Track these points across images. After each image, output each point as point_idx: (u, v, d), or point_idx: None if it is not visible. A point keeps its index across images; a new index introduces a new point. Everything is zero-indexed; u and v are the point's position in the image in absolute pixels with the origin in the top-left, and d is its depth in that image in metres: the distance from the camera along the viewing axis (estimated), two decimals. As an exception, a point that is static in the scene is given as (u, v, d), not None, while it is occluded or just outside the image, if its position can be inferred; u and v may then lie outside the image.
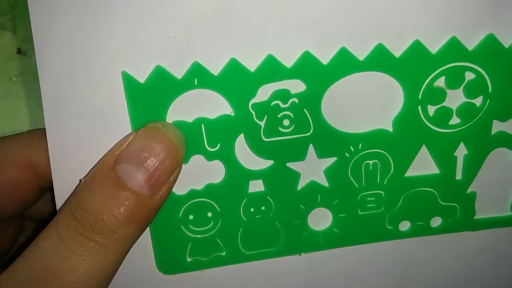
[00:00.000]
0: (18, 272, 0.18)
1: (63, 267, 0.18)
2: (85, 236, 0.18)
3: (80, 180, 0.21)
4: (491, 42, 0.20)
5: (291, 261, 0.24)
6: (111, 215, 0.19)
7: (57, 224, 0.19)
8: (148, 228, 0.22)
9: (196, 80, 0.20)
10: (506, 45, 0.20)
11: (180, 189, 0.22)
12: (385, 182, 0.23)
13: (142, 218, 0.19)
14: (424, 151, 0.22)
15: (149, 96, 0.20)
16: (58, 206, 0.21)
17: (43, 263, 0.18)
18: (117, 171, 0.19)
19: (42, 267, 0.18)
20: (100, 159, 0.20)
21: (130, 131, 0.21)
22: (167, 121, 0.20)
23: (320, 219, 0.23)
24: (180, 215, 0.22)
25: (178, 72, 0.20)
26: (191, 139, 0.21)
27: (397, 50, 0.20)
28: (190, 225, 0.22)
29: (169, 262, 0.23)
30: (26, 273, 0.18)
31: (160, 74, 0.20)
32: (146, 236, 0.22)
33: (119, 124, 0.20)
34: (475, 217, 0.24)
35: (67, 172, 0.21)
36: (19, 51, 0.39)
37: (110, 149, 0.20)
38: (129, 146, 0.20)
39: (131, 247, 0.20)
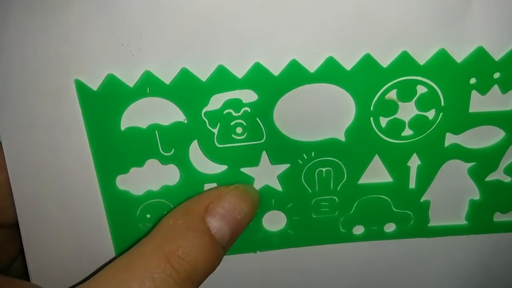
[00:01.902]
0: None
1: None
2: (179, 283, 0.20)
3: (168, 220, 0.21)
4: (443, 57, 0.20)
5: (247, 258, 0.25)
6: (204, 265, 0.20)
7: (150, 267, 0.20)
8: (107, 224, 0.24)
9: (148, 88, 0.20)
10: (459, 60, 0.20)
11: (137, 189, 0.23)
12: (338, 188, 0.23)
13: (216, 267, 0.21)
14: (377, 160, 0.23)
15: (103, 104, 0.21)
16: (20, 217, 0.23)
17: None
18: (208, 223, 0.21)
19: None
20: (189, 204, 0.22)
21: (86, 137, 0.21)
22: (121, 127, 0.21)
23: (275, 221, 0.24)
24: (137, 214, 0.23)
25: (132, 78, 0.20)
26: (146, 144, 0.22)
27: (349, 63, 0.20)
28: (147, 223, 0.23)
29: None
30: None
31: (112, 82, 0.20)
32: (106, 231, 0.24)
33: (75, 131, 0.21)
34: (429, 225, 0.25)
35: (26, 179, 0.22)
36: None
37: (199, 197, 0.22)
38: (221, 202, 0.22)
39: None
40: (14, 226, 0.24)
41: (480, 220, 0.25)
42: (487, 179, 0.24)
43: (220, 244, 0.21)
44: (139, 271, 0.20)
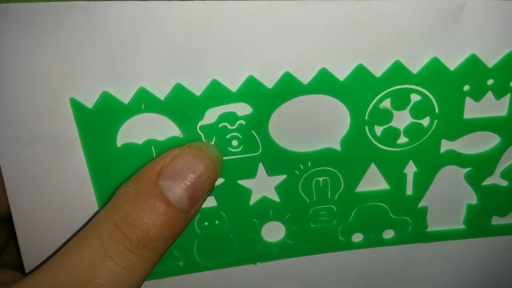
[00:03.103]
0: (59, 280, 0.19)
1: (109, 281, 0.19)
2: (131, 250, 0.19)
3: (120, 189, 0.21)
4: (435, 65, 0.21)
5: (247, 270, 0.25)
6: (157, 231, 0.19)
7: (100, 236, 0.19)
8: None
9: (143, 105, 0.21)
10: (452, 68, 0.21)
11: (135, 205, 0.23)
12: (336, 197, 0.24)
13: (179, 232, 0.21)
14: (374, 167, 0.23)
15: (98, 121, 0.21)
16: (18, 231, 0.23)
17: (88, 276, 0.19)
18: (161, 186, 0.20)
19: (88, 279, 0.19)
20: (141, 170, 0.21)
21: (83, 154, 0.21)
22: (117, 144, 0.21)
23: (274, 232, 0.24)
24: (136, 229, 0.23)
25: (127, 95, 0.21)
26: (143, 160, 0.21)
27: (342, 73, 0.21)
28: (146, 238, 0.24)
29: (129, 272, 0.25)
30: (69, 284, 0.19)
31: (107, 100, 0.20)
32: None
33: (71, 148, 0.21)
34: (428, 230, 0.25)
35: (23, 197, 0.22)
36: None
37: (152, 162, 0.21)
38: (173, 163, 0.20)
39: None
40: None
41: (478, 224, 0.25)
42: (484, 183, 0.24)
43: (177, 207, 0.20)
44: (90, 241, 0.19)
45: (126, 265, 0.19)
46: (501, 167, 0.24)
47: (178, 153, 0.21)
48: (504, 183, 0.24)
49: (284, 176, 0.23)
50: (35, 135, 0.21)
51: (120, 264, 0.19)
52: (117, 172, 0.22)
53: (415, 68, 0.21)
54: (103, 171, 0.22)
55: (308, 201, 0.24)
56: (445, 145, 0.23)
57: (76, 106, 0.21)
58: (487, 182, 0.24)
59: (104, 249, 0.19)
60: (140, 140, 0.21)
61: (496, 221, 0.25)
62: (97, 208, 0.23)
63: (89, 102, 0.21)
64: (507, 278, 0.27)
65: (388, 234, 0.25)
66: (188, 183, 0.20)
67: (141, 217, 0.19)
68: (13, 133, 0.21)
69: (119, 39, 0.20)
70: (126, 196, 0.20)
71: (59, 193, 0.23)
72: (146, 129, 0.21)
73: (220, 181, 0.23)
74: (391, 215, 0.24)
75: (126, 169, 0.22)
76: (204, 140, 0.22)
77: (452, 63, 0.21)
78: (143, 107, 0.21)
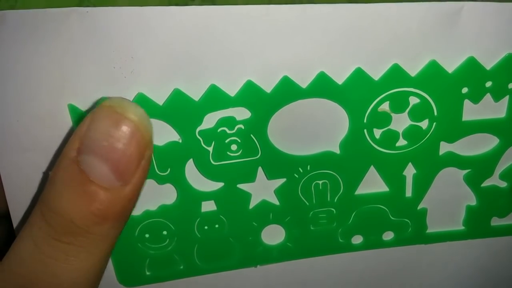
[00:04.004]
0: None
1: (43, 274, 0.18)
2: (58, 239, 0.17)
3: (45, 173, 0.20)
4: (434, 68, 0.21)
5: (248, 273, 0.26)
6: (82, 215, 0.17)
7: (30, 227, 0.18)
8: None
9: (141, 110, 0.21)
10: (450, 71, 0.21)
11: (134, 210, 0.23)
12: (335, 200, 0.24)
13: (116, 212, 0.18)
14: (373, 170, 0.23)
15: (97, 127, 0.21)
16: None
17: (21, 272, 0.18)
18: (80, 163, 0.17)
19: (21, 276, 0.18)
20: (64, 148, 0.19)
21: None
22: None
23: (274, 235, 0.25)
24: (136, 234, 0.23)
25: (125, 101, 0.21)
26: (141, 165, 0.22)
27: (340, 77, 0.21)
28: (146, 243, 0.24)
29: (129, 276, 0.25)
30: (6, 284, 0.18)
31: (105, 106, 0.21)
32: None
33: (69, 154, 0.22)
34: (427, 231, 0.25)
35: (23, 203, 0.22)
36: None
37: (72, 135, 0.18)
38: (88, 133, 0.18)
39: (114, 243, 0.19)
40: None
41: (477, 225, 0.25)
42: (483, 185, 0.24)
43: (102, 185, 0.17)
44: (21, 234, 0.18)
45: (58, 255, 0.17)
46: (500, 168, 0.24)
47: (90, 119, 0.18)
48: (503, 184, 0.24)
49: (283, 180, 0.23)
50: (34, 141, 0.21)
51: (51, 255, 0.17)
52: None
53: (413, 71, 0.21)
54: (102, 176, 0.22)
55: (307, 204, 0.24)
56: (444, 147, 0.23)
57: (75, 112, 0.21)
58: (486, 183, 0.24)
59: (32, 241, 0.18)
60: (138, 146, 0.22)
61: (495, 222, 0.25)
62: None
63: (88, 108, 0.21)
64: (507, 278, 0.28)
65: (388, 235, 0.25)
66: (108, 154, 0.17)
67: (62, 203, 0.17)
68: (12, 139, 0.21)
69: (117, 45, 0.20)
70: (51, 179, 0.18)
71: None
72: (145, 134, 0.22)
73: (219, 185, 0.23)
74: (391, 217, 0.25)
75: None
76: (203, 145, 0.22)
77: (450, 66, 0.21)
78: (141, 113, 0.21)
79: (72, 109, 0.21)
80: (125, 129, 0.18)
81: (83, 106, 0.21)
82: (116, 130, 0.17)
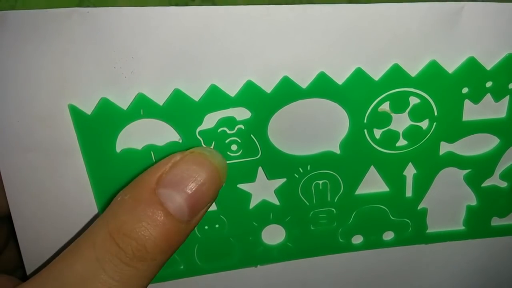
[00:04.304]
0: None
1: None
2: (126, 263, 0.18)
3: (117, 197, 0.21)
4: (434, 68, 0.21)
5: (248, 273, 0.26)
6: (154, 242, 0.19)
7: (94, 247, 0.19)
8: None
9: (142, 110, 0.21)
10: (450, 71, 0.21)
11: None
12: (335, 200, 0.24)
13: (179, 244, 0.20)
14: (373, 170, 0.23)
15: (97, 127, 0.21)
16: (19, 237, 0.23)
17: None
18: (159, 195, 0.19)
19: None
20: (139, 177, 0.20)
21: (82, 160, 0.22)
22: (116, 149, 0.22)
23: (274, 235, 0.25)
24: (136, 234, 0.24)
25: (125, 101, 0.21)
26: (142, 165, 0.22)
27: (340, 77, 0.21)
28: (147, 243, 0.24)
29: (129, 276, 0.25)
30: None
31: (106, 106, 0.21)
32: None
33: (70, 154, 0.22)
34: (428, 231, 0.25)
35: (23, 204, 0.22)
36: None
37: (151, 168, 0.20)
38: (173, 170, 0.19)
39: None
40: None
41: (477, 225, 0.26)
42: (483, 185, 0.24)
43: (177, 218, 0.19)
44: (84, 253, 0.19)
45: (121, 278, 0.18)
46: (500, 168, 0.24)
47: (179, 159, 0.20)
48: (503, 184, 0.24)
49: (283, 180, 0.23)
50: (35, 142, 0.21)
51: (114, 277, 0.18)
52: (117, 178, 0.22)
53: (413, 71, 0.21)
54: (103, 176, 0.22)
55: (308, 204, 0.24)
56: (444, 147, 0.23)
57: (75, 112, 0.21)
58: (486, 183, 0.24)
59: (97, 262, 0.18)
60: (139, 146, 0.22)
61: (496, 222, 0.26)
62: (97, 213, 0.23)
63: (88, 108, 0.21)
64: (507, 278, 0.28)
65: (388, 235, 0.25)
66: (189, 192, 0.19)
67: (137, 228, 0.18)
68: (13, 139, 0.21)
69: (117, 45, 0.20)
70: (123, 204, 0.19)
71: (59, 199, 0.23)
72: (145, 134, 0.22)
73: (219, 185, 0.23)
74: (391, 217, 0.25)
75: (125, 174, 0.22)
76: (203, 145, 0.22)
77: (451, 66, 0.21)
78: (142, 113, 0.21)
79: (73, 109, 0.21)
80: (210, 174, 0.20)
81: (84, 106, 0.21)
82: (203, 174, 0.19)
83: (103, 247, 0.19)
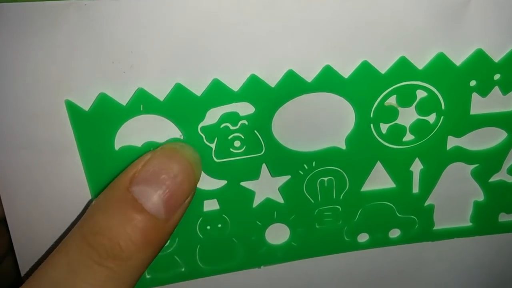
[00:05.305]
0: None
1: None
2: (99, 263, 0.18)
3: (90, 201, 0.21)
4: (441, 61, 0.21)
5: (251, 274, 0.26)
6: (129, 239, 0.18)
7: (67, 251, 0.19)
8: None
9: (142, 106, 0.21)
10: (458, 63, 0.21)
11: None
12: (341, 197, 0.24)
13: (158, 243, 0.19)
14: (379, 166, 0.24)
15: (95, 124, 0.21)
16: (14, 239, 0.23)
17: None
18: (133, 192, 0.19)
19: None
20: (114, 180, 0.20)
21: (79, 158, 0.22)
22: (115, 147, 0.22)
23: (278, 234, 0.25)
24: (136, 235, 0.24)
25: (125, 96, 0.21)
26: (142, 163, 0.22)
27: (346, 70, 0.21)
28: (146, 244, 0.24)
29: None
30: None
31: (104, 102, 0.21)
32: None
33: (67, 152, 0.22)
34: (434, 228, 0.26)
35: (19, 203, 0.22)
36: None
37: (125, 169, 0.20)
38: (146, 167, 0.20)
39: (142, 274, 0.20)
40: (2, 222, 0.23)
41: (485, 221, 0.26)
42: (491, 180, 0.25)
43: (152, 213, 0.19)
44: (57, 259, 0.19)
45: (95, 281, 0.18)
46: (508, 163, 0.24)
47: (150, 156, 0.20)
48: (511, 179, 0.25)
49: (288, 177, 0.23)
50: (31, 139, 0.21)
51: (87, 281, 0.18)
52: (115, 176, 0.21)
53: (420, 64, 0.21)
54: (100, 175, 0.22)
55: (313, 201, 0.24)
56: (452, 142, 0.23)
57: (72, 108, 0.21)
58: (494, 178, 0.25)
59: (68, 266, 0.18)
60: (139, 143, 0.22)
61: (503, 218, 0.26)
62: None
63: (86, 104, 0.21)
64: (516, 275, 0.28)
65: (395, 233, 0.26)
66: (163, 186, 0.19)
67: (110, 226, 0.18)
68: (8, 137, 0.21)
69: (116, 39, 0.20)
70: (96, 206, 0.20)
71: (55, 199, 0.23)
72: (145, 131, 0.22)
73: (222, 183, 0.23)
74: (397, 214, 0.25)
75: None
76: (205, 142, 0.22)
77: (458, 59, 0.21)
78: (141, 109, 0.21)
79: (69, 105, 0.21)
80: (182, 167, 0.20)
81: (81, 102, 0.21)
82: (176, 166, 0.20)
83: (76, 250, 0.19)
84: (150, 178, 0.19)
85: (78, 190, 0.23)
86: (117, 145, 0.22)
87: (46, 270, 0.19)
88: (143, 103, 0.21)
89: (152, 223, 0.19)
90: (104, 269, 0.18)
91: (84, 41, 0.20)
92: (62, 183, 0.22)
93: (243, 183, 0.23)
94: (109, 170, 0.22)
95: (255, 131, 0.22)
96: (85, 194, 0.23)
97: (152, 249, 0.19)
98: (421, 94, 0.22)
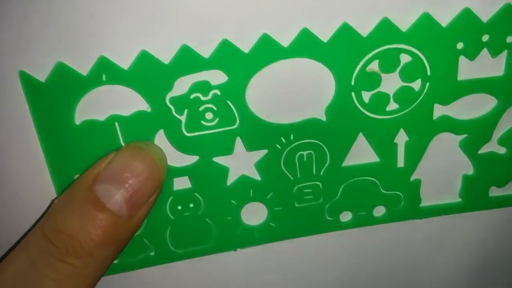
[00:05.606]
0: None
1: None
2: (60, 259, 0.19)
3: (53, 200, 0.21)
4: (426, 21, 0.20)
5: (227, 257, 0.25)
6: (89, 237, 0.19)
7: (27, 247, 0.19)
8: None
9: (104, 76, 0.20)
10: (444, 24, 0.20)
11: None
12: (321, 173, 0.23)
13: (119, 240, 0.20)
14: (362, 138, 0.23)
15: (52, 96, 0.20)
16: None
17: None
18: (96, 191, 0.19)
19: None
20: (77, 178, 0.21)
21: (35, 134, 0.20)
22: (75, 121, 0.20)
23: (255, 214, 0.24)
24: (101, 217, 0.22)
25: (85, 66, 0.20)
26: (105, 138, 0.21)
27: (325, 34, 0.20)
28: (113, 227, 0.23)
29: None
30: None
31: (62, 71, 0.19)
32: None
33: (22, 128, 0.20)
34: (421, 205, 0.25)
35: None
36: None
37: (89, 168, 0.20)
38: (109, 165, 0.20)
39: (106, 271, 0.20)
40: None
41: (475, 196, 0.25)
42: (480, 151, 0.24)
43: (114, 211, 0.19)
44: (17, 255, 0.19)
45: (57, 276, 0.19)
46: (498, 132, 0.23)
47: (114, 155, 0.20)
48: (502, 150, 0.24)
49: (264, 152, 0.22)
50: (-20, 113, 0.20)
51: (49, 275, 0.18)
52: (77, 154, 0.21)
53: (404, 25, 0.20)
54: (60, 153, 0.21)
55: (291, 178, 0.23)
56: (438, 111, 0.22)
57: (26, 79, 0.19)
58: (484, 150, 0.24)
59: (29, 260, 0.19)
60: (102, 117, 0.21)
61: (494, 192, 0.25)
62: (55, 195, 0.22)
63: (42, 75, 0.20)
64: (507, 253, 0.27)
65: (379, 211, 0.25)
66: (125, 184, 0.20)
67: (71, 223, 0.19)
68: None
69: (75, 3, 0.19)
70: (58, 204, 0.20)
71: (11, 182, 0.22)
72: (108, 103, 0.20)
73: (193, 159, 0.22)
74: (382, 190, 0.24)
75: (86, 150, 0.21)
76: (174, 114, 0.21)
77: (444, 19, 0.20)
78: (104, 78, 0.20)
79: (24, 76, 0.19)
80: (146, 165, 0.20)
81: (36, 73, 0.20)
82: (140, 165, 0.20)
83: (36, 246, 0.19)
84: (113, 177, 0.20)
85: (37, 171, 0.21)
86: (78, 119, 0.20)
87: (6, 266, 0.19)
88: (105, 72, 0.20)
89: (114, 221, 0.19)
90: (66, 265, 0.19)
91: (39, 5, 0.19)
92: (18, 165, 0.21)
93: (216, 159, 0.22)
94: (70, 147, 0.21)
95: (228, 102, 0.21)
96: (45, 175, 0.21)
97: (114, 247, 0.20)
98: (405, 58, 0.21)
